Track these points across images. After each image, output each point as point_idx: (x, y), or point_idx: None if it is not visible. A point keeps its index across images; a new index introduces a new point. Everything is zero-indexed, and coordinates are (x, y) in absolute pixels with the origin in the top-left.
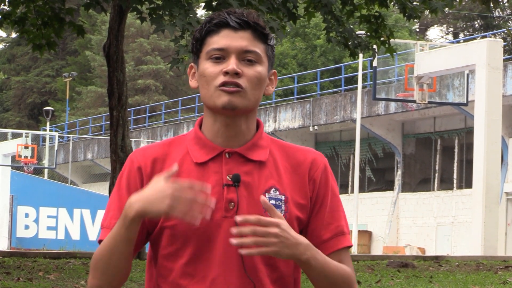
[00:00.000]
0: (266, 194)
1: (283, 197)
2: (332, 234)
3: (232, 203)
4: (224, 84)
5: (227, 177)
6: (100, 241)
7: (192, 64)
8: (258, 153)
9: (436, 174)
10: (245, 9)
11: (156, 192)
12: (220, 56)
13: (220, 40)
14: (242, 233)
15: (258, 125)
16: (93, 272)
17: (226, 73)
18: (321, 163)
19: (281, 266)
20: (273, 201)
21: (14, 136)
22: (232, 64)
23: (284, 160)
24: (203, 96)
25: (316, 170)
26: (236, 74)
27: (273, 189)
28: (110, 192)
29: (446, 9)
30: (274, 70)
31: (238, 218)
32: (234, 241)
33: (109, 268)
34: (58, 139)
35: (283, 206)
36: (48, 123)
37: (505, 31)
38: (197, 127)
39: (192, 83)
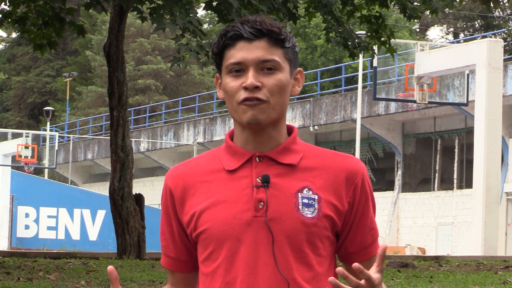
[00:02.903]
0: (299, 193)
1: (316, 197)
2: (372, 240)
3: (262, 203)
4: (245, 99)
5: (257, 178)
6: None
7: (217, 75)
8: (290, 156)
9: (436, 174)
10: (258, 16)
11: None
12: (239, 69)
13: (237, 53)
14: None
15: (292, 131)
16: None
17: (246, 88)
18: (361, 169)
19: (315, 265)
20: (306, 200)
21: (15, 136)
22: (250, 78)
23: (318, 164)
24: (229, 110)
25: (356, 175)
26: (256, 87)
27: (306, 189)
28: (110, 192)
29: (447, 9)
30: (299, 69)
31: (355, 265)
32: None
33: None
34: (59, 139)
35: (316, 205)
36: (48, 123)
37: (506, 31)
38: (228, 138)
39: (219, 94)
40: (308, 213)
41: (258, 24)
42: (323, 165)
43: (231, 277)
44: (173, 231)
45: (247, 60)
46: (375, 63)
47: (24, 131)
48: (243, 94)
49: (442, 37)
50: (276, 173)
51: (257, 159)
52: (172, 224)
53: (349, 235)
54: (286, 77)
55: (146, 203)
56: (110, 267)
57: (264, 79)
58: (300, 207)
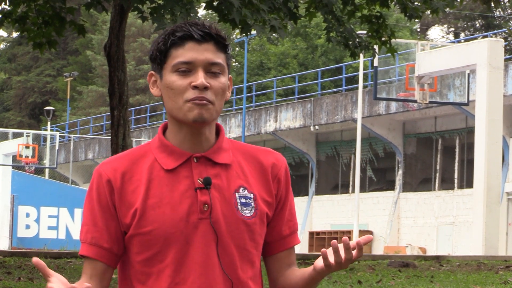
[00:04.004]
0: (236, 193)
1: (252, 195)
2: (291, 231)
3: (206, 205)
4: (194, 99)
5: (198, 180)
6: (81, 255)
7: (153, 72)
8: (223, 156)
9: (437, 174)
10: (205, 20)
11: None
12: (187, 69)
13: (186, 53)
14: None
15: (219, 129)
16: None
17: (195, 87)
18: (283, 163)
19: (257, 261)
20: (243, 199)
21: (15, 135)
22: (200, 78)
23: (246, 161)
24: (170, 108)
25: (280, 169)
26: (205, 88)
27: (241, 188)
28: None
29: (447, 9)
30: (230, 75)
31: (351, 242)
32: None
33: None
34: (59, 139)
35: (253, 204)
36: (49, 123)
37: (506, 31)
38: (161, 135)
39: (155, 91)
40: (247, 212)
41: (207, 27)
42: (251, 161)
43: (181, 278)
44: (108, 222)
45: (197, 61)
46: (375, 63)
47: (24, 131)
48: (192, 93)
49: (443, 37)
50: (214, 173)
51: (194, 159)
52: (108, 215)
53: (269, 225)
54: (227, 81)
55: None
56: (35, 259)
57: (211, 81)
58: (239, 207)
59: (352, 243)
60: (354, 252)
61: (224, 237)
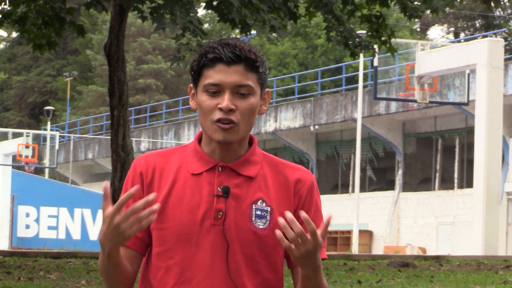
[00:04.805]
0: (253, 205)
1: (268, 209)
2: None
3: (221, 213)
4: (219, 120)
5: (218, 188)
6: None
7: (192, 86)
8: (249, 168)
9: (437, 174)
10: (237, 40)
11: (109, 227)
12: (216, 90)
13: (215, 75)
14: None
15: (252, 141)
16: (102, 279)
17: (221, 109)
18: (308, 180)
19: (264, 271)
20: (259, 212)
21: (15, 135)
22: (226, 100)
23: (273, 175)
24: (201, 124)
25: (303, 186)
26: (230, 110)
27: (260, 200)
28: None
29: (447, 8)
30: (267, 90)
31: (302, 214)
32: (277, 232)
33: (110, 280)
34: (59, 139)
35: (268, 217)
36: (49, 123)
37: (506, 31)
38: (196, 141)
39: (192, 104)
40: (260, 224)
41: (238, 50)
42: (277, 176)
43: (186, 277)
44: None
45: (224, 83)
46: (375, 63)
47: (24, 131)
48: (218, 115)
49: (443, 36)
50: (235, 184)
51: (220, 168)
52: None
53: None
54: (257, 100)
55: None
56: (105, 183)
57: (238, 102)
58: (253, 218)
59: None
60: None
61: (233, 245)
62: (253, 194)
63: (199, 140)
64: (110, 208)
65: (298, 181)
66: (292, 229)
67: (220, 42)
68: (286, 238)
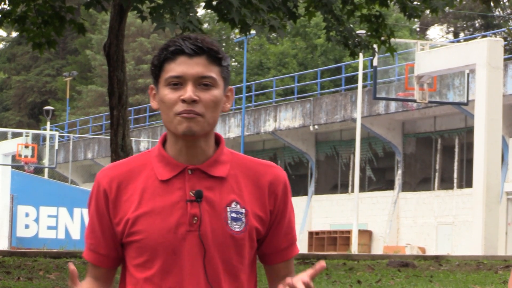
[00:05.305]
0: (228, 207)
1: (243, 210)
2: (288, 244)
3: (196, 218)
4: (182, 112)
5: (190, 193)
6: (83, 257)
7: (152, 86)
8: (219, 169)
9: (437, 174)
10: (199, 34)
11: None
12: (178, 82)
13: (177, 67)
14: None
15: (219, 140)
16: None
17: (183, 100)
18: (282, 178)
19: (242, 275)
20: (234, 214)
21: (15, 135)
22: (189, 91)
23: (244, 175)
24: (164, 121)
25: (278, 186)
26: (193, 101)
27: (234, 202)
28: None
29: (447, 8)
30: (230, 87)
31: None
32: None
33: None
34: (59, 139)
35: (243, 219)
36: (48, 123)
37: (506, 31)
38: (160, 145)
39: (154, 104)
40: (236, 227)
41: (199, 41)
42: (248, 175)
43: (167, 287)
44: (104, 230)
45: (186, 75)
46: (375, 63)
47: (24, 131)
48: (180, 107)
49: (442, 36)
50: (207, 186)
51: (189, 171)
52: (104, 223)
53: (266, 238)
54: (220, 94)
55: None
56: (72, 266)
57: (201, 94)
58: (229, 221)
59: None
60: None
61: (210, 250)
62: (226, 196)
63: (163, 143)
64: None
65: (272, 180)
66: None
67: (181, 36)
68: None
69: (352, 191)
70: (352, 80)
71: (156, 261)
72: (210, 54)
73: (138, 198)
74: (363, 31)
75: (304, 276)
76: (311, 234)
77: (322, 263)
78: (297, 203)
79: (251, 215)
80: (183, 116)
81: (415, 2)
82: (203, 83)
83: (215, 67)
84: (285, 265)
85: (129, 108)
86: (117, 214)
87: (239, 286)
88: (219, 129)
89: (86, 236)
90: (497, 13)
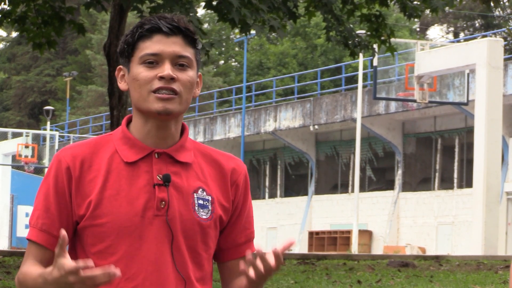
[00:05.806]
0: (194, 194)
1: (210, 198)
2: (246, 239)
3: (163, 202)
4: (159, 89)
5: (158, 176)
6: (28, 239)
7: (121, 66)
8: (185, 154)
9: (437, 174)
10: (175, 14)
11: (61, 280)
12: (154, 61)
13: (153, 45)
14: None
15: (183, 128)
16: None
17: (161, 78)
18: (243, 169)
19: (206, 264)
20: (201, 201)
21: (15, 135)
22: (167, 69)
23: (207, 163)
24: (135, 100)
25: (239, 175)
26: (172, 79)
27: (200, 189)
28: None
29: (447, 8)
30: (199, 73)
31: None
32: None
33: None
34: (59, 139)
35: (210, 206)
36: (48, 123)
37: (506, 31)
38: (124, 127)
39: (122, 85)
40: (203, 214)
41: (176, 21)
42: (211, 164)
43: (132, 273)
44: (61, 209)
45: (164, 53)
46: (375, 63)
47: (24, 131)
48: (157, 84)
49: (442, 36)
50: (173, 171)
51: (156, 155)
52: (62, 202)
53: (224, 231)
54: (195, 76)
55: None
56: (63, 230)
57: (178, 73)
58: (196, 208)
59: (271, 251)
60: (272, 261)
61: (178, 236)
62: (192, 183)
63: (127, 125)
64: (68, 262)
65: (234, 170)
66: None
67: (156, 15)
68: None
69: (352, 191)
70: (352, 80)
71: (120, 246)
72: (186, 35)
73: (102, 179)
74: (363, 31)
75: (274, 249)
76: (311, 234)
77: (291, 239)
78: (297, 203)
79: (217, 203)
80: (159, 97)
81: (415, 2)
82: (179, 63)
83: (191, 48)
84: (241, 262)
85: (129, 108)
86: (78, 194)
87: (204, 276)
88: (219, 129)
89: (37, 216)
90: (497, 13)
